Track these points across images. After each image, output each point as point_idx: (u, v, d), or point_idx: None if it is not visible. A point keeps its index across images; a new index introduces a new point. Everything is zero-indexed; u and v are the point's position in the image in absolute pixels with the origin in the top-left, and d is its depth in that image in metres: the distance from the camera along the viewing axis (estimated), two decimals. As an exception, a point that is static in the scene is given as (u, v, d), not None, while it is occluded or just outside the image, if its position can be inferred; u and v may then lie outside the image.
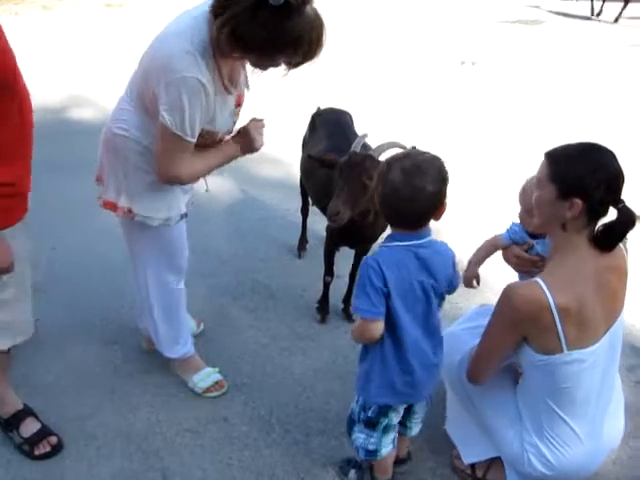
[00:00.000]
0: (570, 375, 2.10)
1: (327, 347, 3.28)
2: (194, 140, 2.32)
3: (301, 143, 3.84)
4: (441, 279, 2.14)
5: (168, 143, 2.30)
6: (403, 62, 9.20)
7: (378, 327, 2.10)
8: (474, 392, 2.38)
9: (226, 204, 4.71)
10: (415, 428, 2.47)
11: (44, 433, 2.69)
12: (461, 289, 3.35)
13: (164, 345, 2.93)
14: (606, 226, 2.04)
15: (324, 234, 3.43)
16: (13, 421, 2.70)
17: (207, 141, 2.43)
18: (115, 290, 3.54)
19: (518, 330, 2.10)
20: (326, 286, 3.47)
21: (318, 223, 4.00)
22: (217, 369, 3.00)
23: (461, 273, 2.41)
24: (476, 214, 4.52)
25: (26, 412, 2.73)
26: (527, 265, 2.49)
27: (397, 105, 7.17)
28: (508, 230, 2.55)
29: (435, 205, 2.05)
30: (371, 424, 2.31)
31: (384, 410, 2.28)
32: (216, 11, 2.08)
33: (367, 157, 2.79)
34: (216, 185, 4.69)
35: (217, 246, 4.17)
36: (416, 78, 8.45)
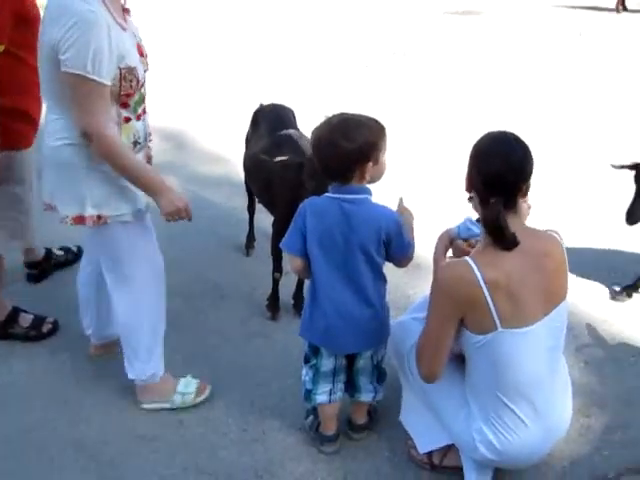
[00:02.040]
0: (509, 357, 2.13)
1: (280, 344, 3.27)
2: (105, 82, 2.26)
3: (244, 140, 3.81)
4: (367, 238, 2.28)
5: (77, 90, 2.25)
6: (339, 53, 9.19)
7: (295, 262, 2.41)
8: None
9: (171, 205, 4.64)
10: (365, 394, 2.60)
11: (40, 318, 3.25)
12: (410, 279, 3.42)
13: (143, 359, 2.77)
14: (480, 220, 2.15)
15: (271, 231, 3.42)
16: (11, 318, 3.19)
17: (132, 84, 2.39)
18: (63, 298, 3.47)
19: (454, 310, 2.12)
20: (275, 283, 3.45)
21: (265, 220, 3.98)
22: (189, 375, 2.94)
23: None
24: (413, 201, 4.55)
25: (17, 310, 3.23)
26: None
27: (334, 96, 7.16)
28: (459, 226, 2.53)
29: (355, 162, 2.22)
30: (306, 360, 2.55)
31: (313, 349, 2.50)
32: None
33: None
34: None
35: (164, 247, 4.05)
36: (351, 69, 8.44)
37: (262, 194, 3.54)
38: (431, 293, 2.20)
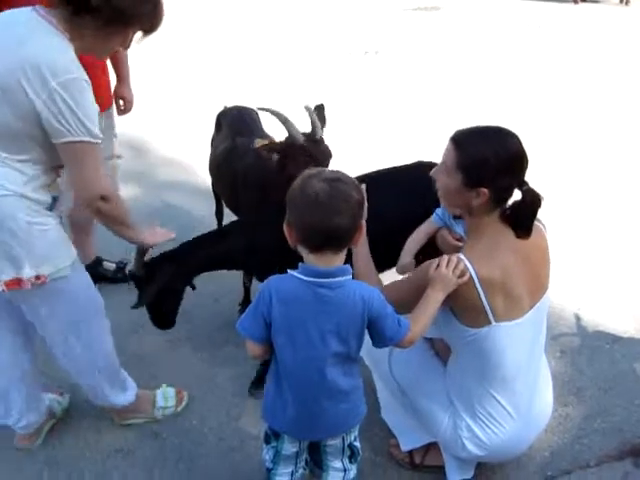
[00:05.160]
0: (499, 349, 2.11)
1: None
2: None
3: (210, 144, 3.76)
4: (347, 328, 1.87)
5: (86, 157, 2.06)
6: (307, 54, 9.18)
7: (253, 348, 1.96)
8: (405, 383, 2.38)
9: (142, 214, 4.57)
10: (333, 474, 2.17)
11: (121, 264, 3.88)
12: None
13: (118, 393, 2.68)
14: (514, 208, 2.06)
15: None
16: (96, 263, 3.77)
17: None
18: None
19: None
20: (246, 289, 3.41)
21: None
22: (163, 385, 2.91)
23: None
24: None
25: (100, 259, 3.84)
26: (450, 250, 2.33)
27: (303, 97, 7.12)
28: (436, 213, 2.42)
29: (357, 218, 1.83)
30: (266, 440, 2.16)
31: (273, 431, 2.12)
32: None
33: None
34: (131, 193, 4.58)
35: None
36: (320, 69, 8.45)
37: (229, 198, 3.48)
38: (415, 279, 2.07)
